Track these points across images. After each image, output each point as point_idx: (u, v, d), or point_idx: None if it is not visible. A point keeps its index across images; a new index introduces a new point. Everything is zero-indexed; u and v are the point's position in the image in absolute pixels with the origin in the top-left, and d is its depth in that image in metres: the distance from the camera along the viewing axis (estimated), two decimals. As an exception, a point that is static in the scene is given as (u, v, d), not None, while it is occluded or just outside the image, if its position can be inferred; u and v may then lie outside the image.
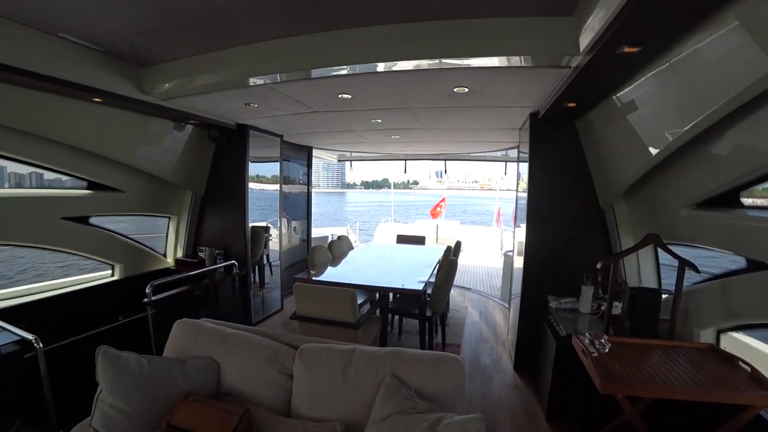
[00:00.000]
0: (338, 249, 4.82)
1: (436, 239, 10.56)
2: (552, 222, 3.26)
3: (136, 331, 3.40)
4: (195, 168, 4.45)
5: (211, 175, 4.62)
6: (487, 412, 2.91)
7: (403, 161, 7.57)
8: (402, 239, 6.29)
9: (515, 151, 5.48)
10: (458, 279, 7.24)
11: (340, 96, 2.96)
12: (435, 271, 4.24)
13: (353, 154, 7.29)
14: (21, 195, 3.24)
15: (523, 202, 3.67)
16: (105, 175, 3.67)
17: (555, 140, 3.19)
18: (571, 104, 2.55)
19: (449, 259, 3.62)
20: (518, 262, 3.89)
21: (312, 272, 3.87)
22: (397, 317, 4.28)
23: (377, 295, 3.60)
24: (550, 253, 3.29)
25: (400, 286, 3.30)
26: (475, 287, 6.66)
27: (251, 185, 4.66)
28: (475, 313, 5.24)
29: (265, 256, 5.21)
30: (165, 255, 4.75)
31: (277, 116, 3.88)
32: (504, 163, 7.59)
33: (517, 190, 4.85)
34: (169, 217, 4.70)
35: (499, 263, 8.65)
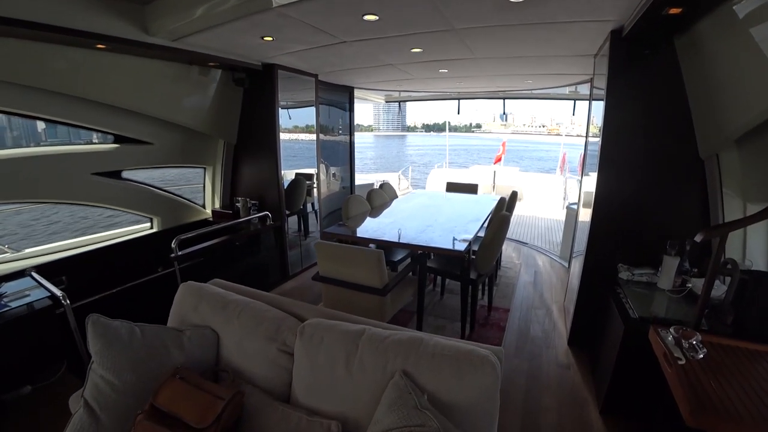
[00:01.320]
0: (379, 198, 4.43)
1: (493, 186, 9.84)
2: (631, 172, 2.59)
3: (166, 287, 3.36)
4: (224, 115, 4.21)
5: (242, 121, 4.35)
6: (531, 396, 2.52)
7: (457, 100, 6.81)
8: (452, 187, 5.73)
9: (587, 86, 4.62)
10: (514, 232, 6.66)
11: (364, 17, 2.42)
12: (485, 225, 3.76)
13: (402, 94, 6.64)
14: (49, 153, 3.19)
15: (595, 148, 3.00)
16: (130, 127, 3.55)
17: (643, 67, 2.43)
18: (674, 10, 1.81)
19: (501, 214, 3.09)
20: (584, 216, 3.28)
21: (344, 225, 3.53)
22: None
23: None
24: (625, 212, 2.66)
25: (439, 246, 2.86)
26: (532, 242, 6.05)
27: (290, 134, 4.34)
28: (530, 272, 4.72)
29: (310, 204, 5.05)
30: (204, 206, 4.70)
31: (302, 51, 3.41)
32: (573, 101, 6.58)
33: (587, 134, 4.10)
34: (204, 168, 4.58)
35: (561, 215, 7.88)
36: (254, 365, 1.71)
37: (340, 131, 5.70)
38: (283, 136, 4.29)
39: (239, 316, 1.79)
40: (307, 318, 1.84)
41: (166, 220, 4.27)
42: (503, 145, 10.96)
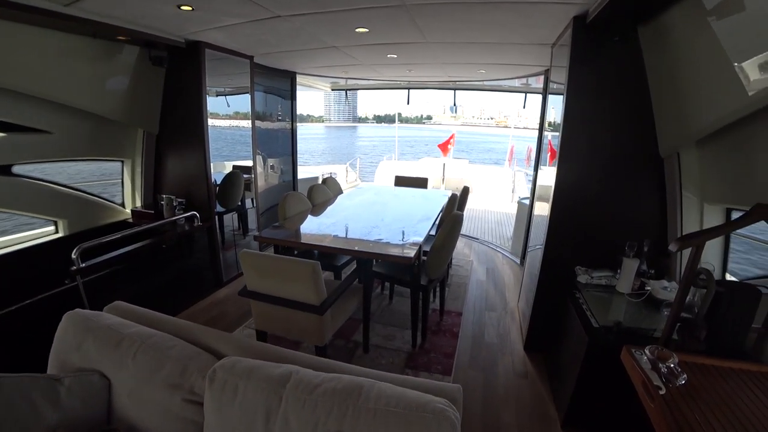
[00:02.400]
0: (321, 194, 4.06)
1: (443, 179, 9.72)
2: (591, 168, 2.43)
3: (66, 309, 2.84)
4: (142, 100, 3.65)
5: (164, 108, 3.80)
6: (488, 412, 2.31)
7: (407, 90, 6.54)
8: (401, 181, 5.47)
9: (539, 80, 4.50)
10: (465, 227, 6.54)
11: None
12: (437, 223, 3.52)
13: (348, 82, 6.26)
14: None
15: (548, 142, 2.84)
16: (19, 113, 2.92)
17: (605, 56, 2.26)
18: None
19: (453, 214, 2.85)
20: (539, 210, 3.13)
21: (280, 226, 3.15)
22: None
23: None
24: (583, 210, 2.51)
25: (386, 252, 2.57)
26: (482, 237, 5.95)
27: (226, 122, 3.86)
28: (482, 269, 4.58)
29: (250, 200, 4.63)
30: (123, 205, 4.10)
31: (231, 27, 2.96)
32: (524, 94, 6.53)
33: (541, 128, 3.99)
34: (122, 161, 3.98)
35: (511, 209, 7.90)
36: (155, 421, 1.35)
37: (279, 118, 5.23)
38: (222, 123, 3.82)
39: (136, 355, 1.40)
40: (224, 352, 1.50)
41: (74, 223, 3.64)
42: (452, 137, 10.87)
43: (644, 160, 2.32)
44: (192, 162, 3.73)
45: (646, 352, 1.41)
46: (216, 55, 3.64)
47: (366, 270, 2.70)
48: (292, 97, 5.33)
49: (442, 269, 2.95)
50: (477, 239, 5.78)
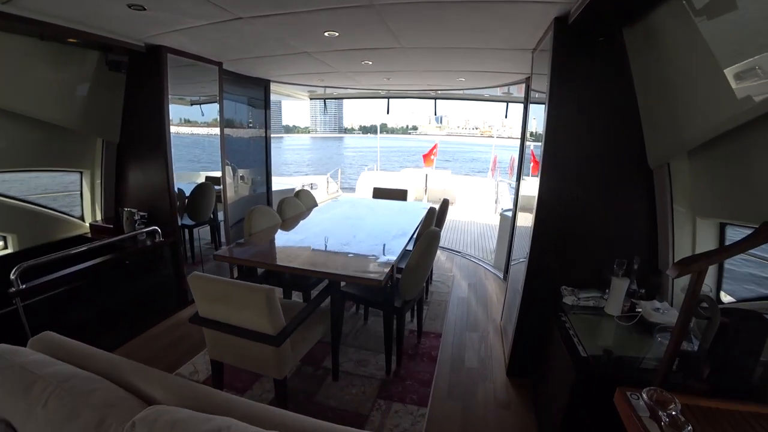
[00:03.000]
0: (292, 209, 3.83)
1: (425, 190, 9.56)
2: (575, 180, 2.27)
3: (9, 332, 2.56)
4: (101, 107, 3.42)
5: (125, 116, 3.56)
6: (468, 451, 2.09)
7: (386, 99, 6.39)
8: (379, 193, 5.25)
9: (520, 89, 4.39)
10: (447, 239, 6.37)
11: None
12: (414, 238, 3.32)
13: (327, 91, 6.07)
14: None
15: (530, 152, 2.68)
16: None
17: (589, 61, 2.11)
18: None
19: (429, 231, 2.65)
20: (522, 221, 2.97)
21: (244, 243, 2.91)
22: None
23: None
24: (568, 224, 2.34)
25: (354, 273, 2.34)
26: (465, 250, 5.78)
27: (204, 131, 3.73)
28: (464, 285, 4.38)
29: (222, 212, 4.39)
30: (83, 218, 3.83)
31: (192, 30, 2.75)
32: (505, 104, 6.44)
33: (522, 137, 3.84)
34: (81, 172, 3.72)
35: (494, 220, 7.77)
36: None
37: (251, 125, 4.99)
38: (201, 131, 3.61)
39: (48, 402, 1.15)
40: (156, 398, 1.28)
41: (24, 238, 3.37)
42: (435, 147, 10.75)
43: (632, 171, 2.17)
44: (154, 173, 3.48)
45: (644, 396, 1.21)
46: (182, 61, 3.42)
47: (335, 291, 2.48)
48: (266, 106, 5.11)
49: (418, 289, 2.74)
50: (459, 252, 5.60)
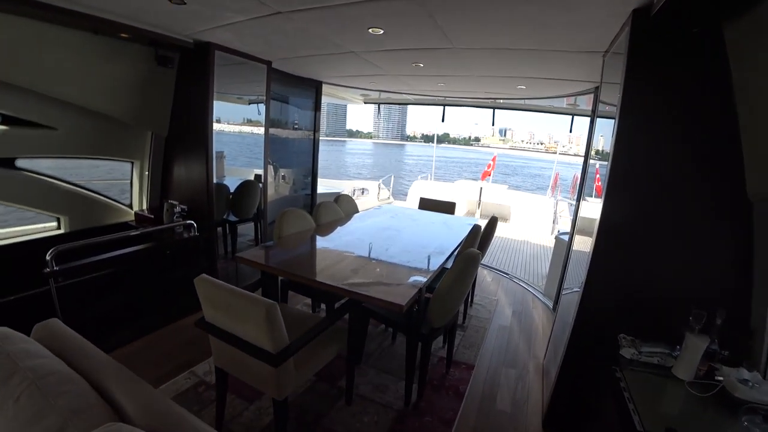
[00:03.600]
0: (329, 214, 3.67)
1: (479, 204, 9.11)
2: (647, 207, 1.87)
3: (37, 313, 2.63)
4: (151, 101, 3.51)
5: (174, 111, 3.63)
6: None
7: (442, 106, 6.12)
8: (426, 204, 4.97)
9: (588, 101, 3.95)
10: (496, 259, 5.94)
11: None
12: (454, 257, 3.03)
13: (381, 96, 5.93)
14: None
15: (595, 171, 2.31)
16: (24, 107, 2.85)
17: (672, 64, 1.72)
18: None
19: (467, 252, 2.34)
20: (580, 245, 2.59)
21: (270, 246, 2.78)
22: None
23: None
24: (634, 258, 1.94)
25: (374, 294, 2.08)
26: (514, 272, 5.33)
27: (254, 129, 3.83)
28: (508, 312, 3.99)
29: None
30: (131, 206, 3.97)
31: (236, 25, 2.69)
32: (570, 117, 5.92)
33: (587, 154, 3.43)
34: (132, 162, 3.85)
35: (550, 242, 7.19)
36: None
37: (296, 126, 4.94)
38: (260, 130, 3.74)
39: (20, 397, 1.08)
40: (125, 411, 1.17)
41: (76, 220, 3.54)
42: (493, 159, 10.25)
43: (723, 202, 1.74)
44: (195, 168, 3.49)
45: None
46: (233, 59, 3.42)
47: (354, 308, 2.26)
48: (316, 107, 5.04)
49: (447, 318, 2.44)
50: (507, 275, 5.17)
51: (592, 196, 2.72)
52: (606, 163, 2.02)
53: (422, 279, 2.29)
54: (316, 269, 2.46)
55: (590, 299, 2.03)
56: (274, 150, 4.54)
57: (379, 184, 10.19)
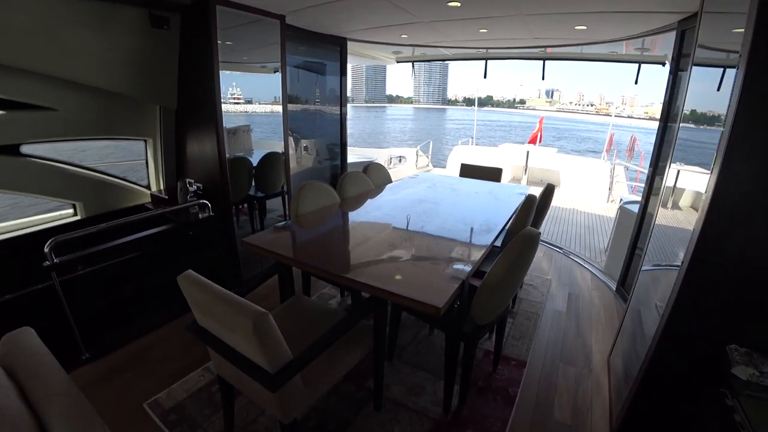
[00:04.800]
0: (356, 186, 3.26)
1: (525, 169, 8.38)
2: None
3: (39, 309, 2.45)
4: (154, 72, 3.17)
5: (180, 80, 3.29)
6: None
7: (484, 61, 5.43)
8: (468, 171, 4.44)
9: (655, 43, 3.23)
10: (545, 231, 5.34)
11: None
12: (503, 234, 2.57)
13: (415, 52, 5.32)
14: None
15: (681, 134, 1.75)
16: (16, 89, 2.61)
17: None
18: None
19: (524, 232, 1.85)
20: (668, 220, 2.04)
21: (283, 228, 2.42)
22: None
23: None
24: (754, 249, 1.40)
25: (402, 293, 1.66)
26: (567, 246, 4.75)
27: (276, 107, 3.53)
28: (562, 294, 3.48)
29: None
30: (149, 187, 3.76)
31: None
32: (636, 66, 5.07)
33: (667, 112, 2.81)
34: (146, 141, 3.61)
35: (606, 211, 6.45)
36: None
37: (317, 99, 4.48)
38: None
39: None
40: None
41: (92, 206, 3.37)
42: (540, 121, 9.33)
43: None
44: (207, 143, 3.17)
45: None
46: (240, 17, 3.02)
47: (379, 306, 1.86)
48: (341, 70, 4.54)
49: (497, 313, 2.00)
50: (560, 249, 4.61)
51: (678, 163, 2.12)
52: (719, 128, 1.46)
53: (465, 268, 1.85)
54: (335, 256, 2.08)
55: (691, 293, 1.51)
56: (299, 119, 4.16)
57: (416, 151, 9.61)
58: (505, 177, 7.71)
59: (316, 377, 1.59)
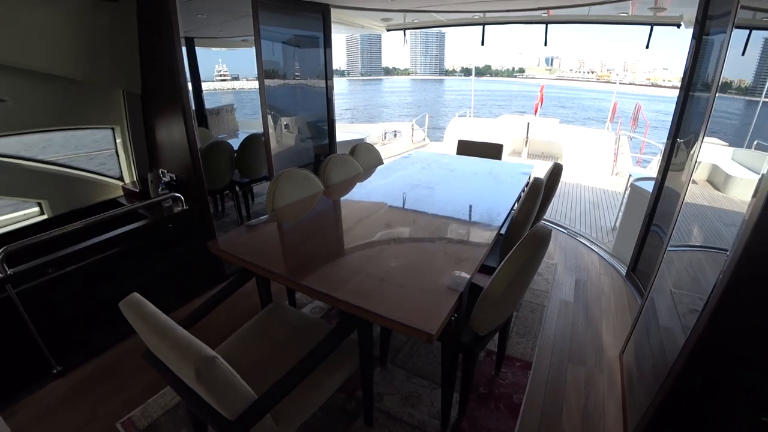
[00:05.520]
0: (341, 172, 2.97)
1: (526, 142, 8.03)
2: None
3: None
4: (110, 51, 2.83)
5: (142, 61, 2.95)
6: None
7: (481, 26, 5.03)
8: (465, 148, 4.14)
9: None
10: (548, 209, 5.09)
11: None
12: (507, 222, 2.31)
13: (406, 19, 4.92)
14: None
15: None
16: None
17: None
18: None
19: (534, 230, 1.57)
20: (700, 198, 1.79)
21: (256, 226, 2.16)
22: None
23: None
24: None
25: (384, 314, 1.39)
26: (571, 225, 4.50)
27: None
28: (569, 281, 3.24)
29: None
30: (122, 179, 3.48)
31: None
32: (648, 28, 4.69)
33: (689, 78, 2.51)
34: (113, 128, 3.31)
35: (613, 186, 6.15)
36: None
37: (297, 74, 4.12)
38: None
39: None
40: None
41: (60, 203, 3.12)
42: (541, 90, 8.90)
43: None
44: (174, 129, 2.87)
45: None
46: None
47: (363, 329, 1.61)
48: (325, 42, 4.16)
49: (498, 323, 1.76)
50: (564, 229, 4.36)
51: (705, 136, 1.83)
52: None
53: (464, 276, 1.59)
54: (314, 262, 1.81)
55: (738, 298, 1.25)
56: (277, 95, 3.83)
57: (412, 125, 9.21)
58: (505, 150, 7.38)
59: (289, 411, 1.35)
